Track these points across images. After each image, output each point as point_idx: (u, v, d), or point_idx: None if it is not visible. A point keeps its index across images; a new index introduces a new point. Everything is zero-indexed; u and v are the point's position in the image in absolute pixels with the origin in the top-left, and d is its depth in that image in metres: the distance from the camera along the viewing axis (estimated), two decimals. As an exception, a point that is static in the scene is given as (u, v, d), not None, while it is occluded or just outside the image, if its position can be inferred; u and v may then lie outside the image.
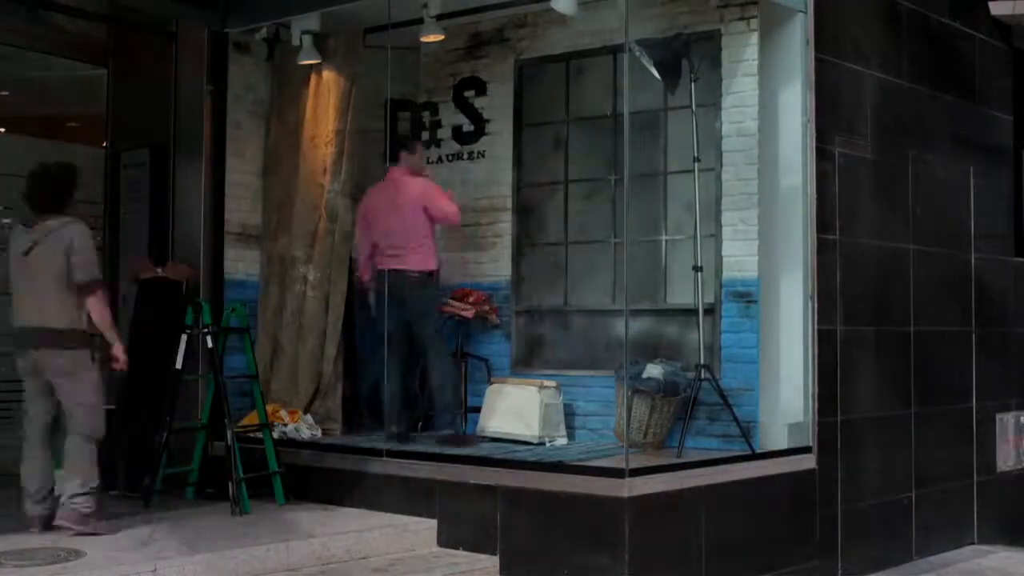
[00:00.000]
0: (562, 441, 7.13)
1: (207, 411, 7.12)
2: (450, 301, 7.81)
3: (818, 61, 7.01)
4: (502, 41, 8.15)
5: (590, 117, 7.61)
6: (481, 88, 8.26)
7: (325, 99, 7.92)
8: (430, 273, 7.49)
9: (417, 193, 7.48)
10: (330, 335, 7.89)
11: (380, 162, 8.05)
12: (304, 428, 7.60)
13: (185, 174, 7.75)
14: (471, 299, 7.81)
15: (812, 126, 6.95)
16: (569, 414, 7.46)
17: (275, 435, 7.49)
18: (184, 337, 6.88)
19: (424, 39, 7.78)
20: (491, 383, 7.55)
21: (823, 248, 6.99)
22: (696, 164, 7.00)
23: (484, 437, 7.31)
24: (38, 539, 5.83)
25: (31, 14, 7.27)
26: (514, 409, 7.24)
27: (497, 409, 7.34)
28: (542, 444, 6.89)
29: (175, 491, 7.43)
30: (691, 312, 7.03)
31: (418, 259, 7.42)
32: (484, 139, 8.19)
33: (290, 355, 7.94)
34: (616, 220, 7.42)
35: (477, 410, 7.58)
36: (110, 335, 6.09)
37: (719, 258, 7.04)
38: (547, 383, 7.31)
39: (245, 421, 7.64)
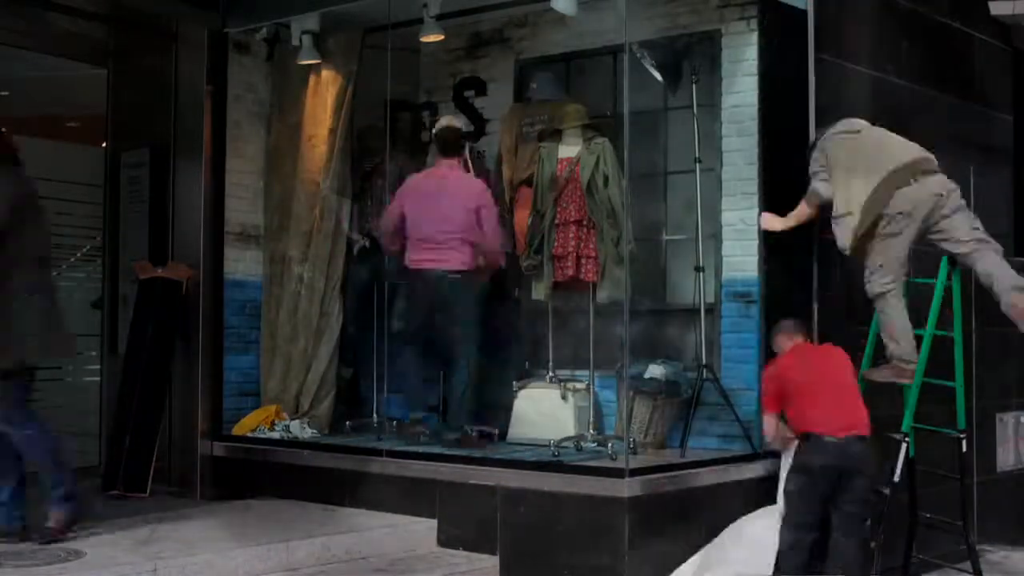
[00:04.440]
0: (592, 444, 6.82)
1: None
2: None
3: (818, 61, 7.00)
4: (502, 41, 8.15)
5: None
6: (481, 88, 8.27)
7: (323, 99, 7.93)
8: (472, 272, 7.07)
9: (475, 192, 7.07)
10: (310, 334, 7.90)
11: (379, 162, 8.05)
12: (307, 428, 7.60)
13: (185, 174, 7.75)
14: None
15: (812, 126, 6.95)
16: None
17: (276, 435, 7.52)
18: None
19: (424, 39, 7.78)
20: (517, 388, 7.34)
21: (823, 248, 6.98)
22: (697, 164, 7.01)
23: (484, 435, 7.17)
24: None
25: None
26: (545, 415, 7.13)
27: (528, 416, 7.22)
28: (579, 449, 6.71)
29: (175, 491, 7.46)
30: (692, 312, 7.03)
31: (460, 257, 6.99)
32: (484, 139, 8.19)
33: (285, 355, 7.94)
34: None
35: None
36: None
37: (719, 258, 7.04)
38: (578, 385, 7.16)
39: (245, 421, 7.66)
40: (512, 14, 8.00)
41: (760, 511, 6.20)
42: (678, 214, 7.37)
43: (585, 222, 6.90)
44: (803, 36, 6.95)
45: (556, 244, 6.94)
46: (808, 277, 6.87)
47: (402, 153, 7.99)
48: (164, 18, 7.85)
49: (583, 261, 6.91)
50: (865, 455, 5.98)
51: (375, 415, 7.79)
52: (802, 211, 6.50)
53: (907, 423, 6.56)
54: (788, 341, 6.29)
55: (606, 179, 6.85)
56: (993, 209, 8.78)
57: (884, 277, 6.26)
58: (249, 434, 7.59)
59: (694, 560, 6.01)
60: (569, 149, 7.03)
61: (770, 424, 6.17)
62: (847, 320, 7.14)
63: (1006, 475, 8.46)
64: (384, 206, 7.56)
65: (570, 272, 6.92)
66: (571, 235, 6.92)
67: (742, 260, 6.94)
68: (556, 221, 6.95)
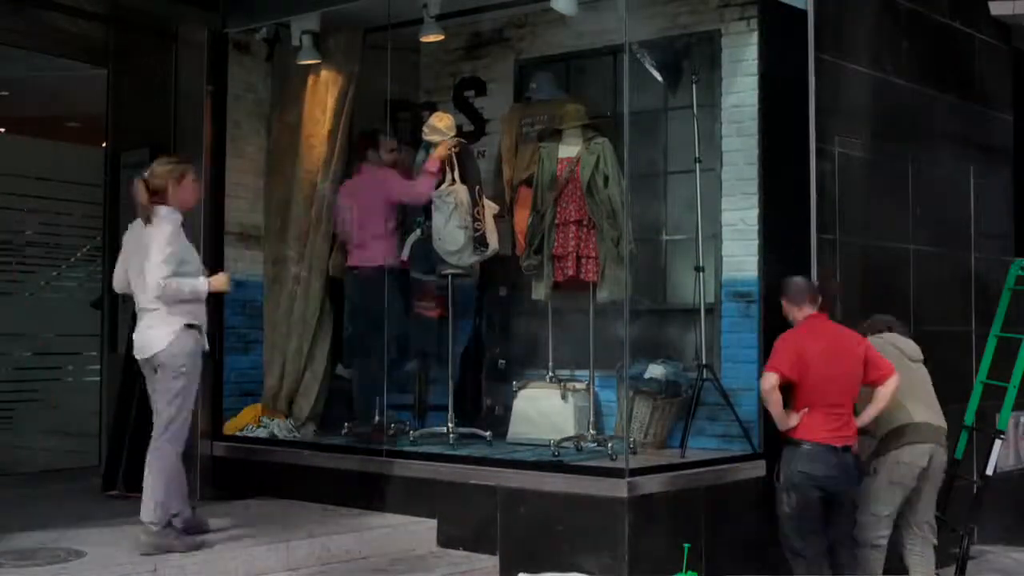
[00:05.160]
0: (592, 444, 6.81)
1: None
2: (416, 302, 7.79)
3: (818, 61, 7.00)
4: (502, 41, 8.15)
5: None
6: (481, 88, 8.27)
7: (323, 99, 7.93)
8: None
9: (379, 181, 7.47)
10: (305, 333, 7.89)
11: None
12: (285, 428, 7.61)
13: (185, 174, 7.74)
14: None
15: (812, 126, 6.95)
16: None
17: (263, 433, 7.52)
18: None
19: (424, 39, 7.79)
20: (517, 388, 7.34)
21: (823, 248, 6.99)
22: (697, 164, 7.01)
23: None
24: (38, 538, 5.83)
25: None
26: (545, 414, 7.12)
27: (528, 415, 7.22)
28: (579, 449, 6.69)
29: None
30: (691, 312, 7.03)
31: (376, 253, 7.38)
32: (484, 139, 8.19)
33: (281, 354, 7.95)
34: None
35: (439, 408, 7.57)
36: None
37: (719, 258, 7.04)
38: (577, 385, 7.16)
39: (234, 420, 7.66)
40: (512, 14, 8.00)
41: None
42: (678, 214, 7.36)
43: (585, 222, 6.91)
44: (803, 36, 6.95)
45: (556, 244, 6.95)
46: (808, 277, 6.87)
47: (401, 151, 7.98)
48: (164, 18, 7.84)
49: (583, 261, 6.92)
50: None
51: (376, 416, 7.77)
52: None
53: (1004, 422, 6.67)
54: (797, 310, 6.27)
55: (606, 179, 6.85)
56: (993, 209, 8.81)
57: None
58: (248, 434, 7.60)
59: None
60: (569, 149, 7.03)
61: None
62: (847, 320, 7.15)
63: (1006, 475, 8.46)
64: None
65: (570, 272, 6.93)
66: (571, 235, 6.93)
67: (742, 260, 6.94)
68: (556, 221, 6.96)
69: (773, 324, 6.75)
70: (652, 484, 5.99)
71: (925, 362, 6.62)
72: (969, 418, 7.26)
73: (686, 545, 5.42)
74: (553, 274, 7.00)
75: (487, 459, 6.55)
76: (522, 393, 7.29)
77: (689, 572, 5.45)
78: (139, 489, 7.11)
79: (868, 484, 6.25)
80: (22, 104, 9.12)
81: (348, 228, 7.55)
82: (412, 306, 7.75)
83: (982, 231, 8.57)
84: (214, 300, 7.59)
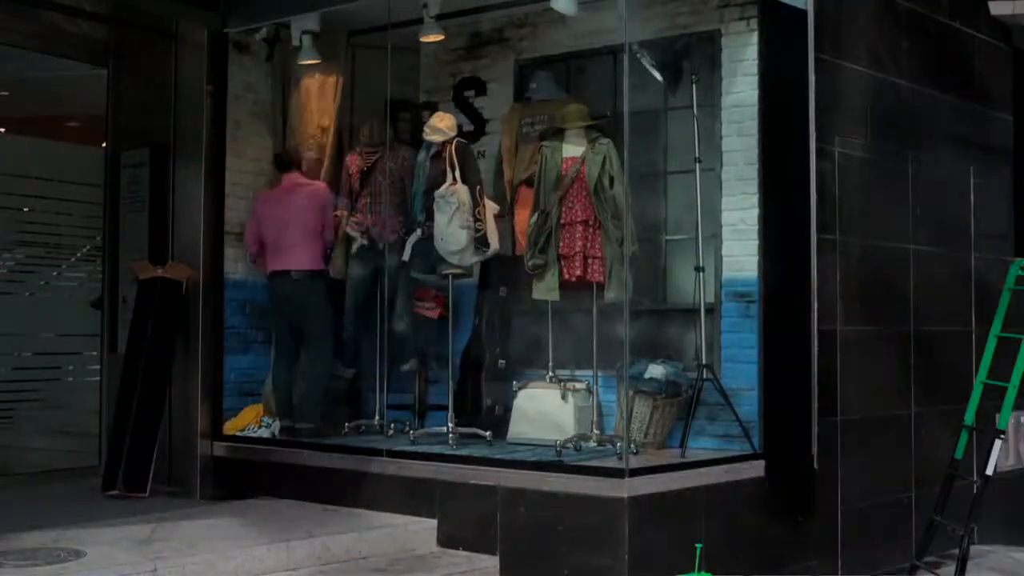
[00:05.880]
0: (591, 444, 6.84)
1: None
2: (415, 302, 7.81)
3: (818, 61, 7.01)
4: (502, 41, 8.15)
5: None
6: (481, 88, 8.27)
7: (317, 98, 7.95)
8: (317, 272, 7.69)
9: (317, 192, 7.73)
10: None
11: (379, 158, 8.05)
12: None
13: (185, 174, 7.76)
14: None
15: (812, 126, 6.95)
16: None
17: (266, 432, 7.52)
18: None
19: (424, 39, 7.79)
20: (516, 387, 7.33)
21: (823, 248, 6.99)
22: (697, 164, 7.01)
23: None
24: (38, 538, 5.83)
25: None
26: (545, 414, 7.12)
27: (528, 415, 7.22)
28: (578, 449, 6.68)
29: (175, 491, 7.47)
30: (691, 312, 7.03)
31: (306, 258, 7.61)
32: (484, 139, 8.19)
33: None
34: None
35: (439, 407, 7.56)
36: None
37: (719, 258, 7.04)
38: (577, 384, 7.15)
39: (234, 420, 7.66)
40: (512, 14, 8.00)
41: None
42: (678, 214, 7.36)
43: (591, 222, 6.91)
44: (803, 36, 6.95)
45: (562, 243, 6.96)
46: (808, 277, 6.88)
47: (401, 150, 7.98)
48: (164, 18, 7.85)
49: (590, 261, 6.93)
50: None
51: (377, 416, 7.77)
52: None
53: (1004, 421, 6.66)
54: None
55: (611, 180, 6.86)
56: (993, 209, 8.81)
57: None
58: (248, 434, 7.60)
59: None
60: (573, 148, 7.03)
61: None
62: (846, 321, 7.16)
63: (1006, 475, 8.46)
64: (383, 202, 7.69)
65: (578, 272, 6.94)
66: (577, 235, 6.93)
67: (742, 260, 6.94)
68: (562, 221, 6.96)
69: (773, 324, 6.77)
70: (652, 484, 5.99)
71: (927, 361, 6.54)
72: (969, 418, 7.24)
73: (698, 545, 5.40)
74: (561, 274, 6.99)
75: (487, 459, 6.54)
76: (522, 393, 7.28)
77: (702, 573, 5.43)
78: (139, 489, 7.17)
79: None
80: (22, 104, 9.12)
81: (272, 234, 7.65)
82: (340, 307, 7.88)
83: (982, 231, 8.57)
84: (213, 299, 7.65)
